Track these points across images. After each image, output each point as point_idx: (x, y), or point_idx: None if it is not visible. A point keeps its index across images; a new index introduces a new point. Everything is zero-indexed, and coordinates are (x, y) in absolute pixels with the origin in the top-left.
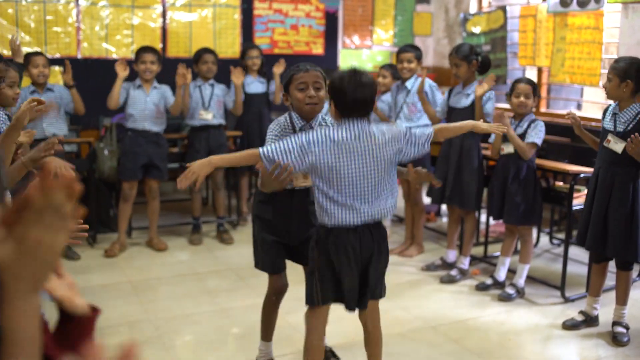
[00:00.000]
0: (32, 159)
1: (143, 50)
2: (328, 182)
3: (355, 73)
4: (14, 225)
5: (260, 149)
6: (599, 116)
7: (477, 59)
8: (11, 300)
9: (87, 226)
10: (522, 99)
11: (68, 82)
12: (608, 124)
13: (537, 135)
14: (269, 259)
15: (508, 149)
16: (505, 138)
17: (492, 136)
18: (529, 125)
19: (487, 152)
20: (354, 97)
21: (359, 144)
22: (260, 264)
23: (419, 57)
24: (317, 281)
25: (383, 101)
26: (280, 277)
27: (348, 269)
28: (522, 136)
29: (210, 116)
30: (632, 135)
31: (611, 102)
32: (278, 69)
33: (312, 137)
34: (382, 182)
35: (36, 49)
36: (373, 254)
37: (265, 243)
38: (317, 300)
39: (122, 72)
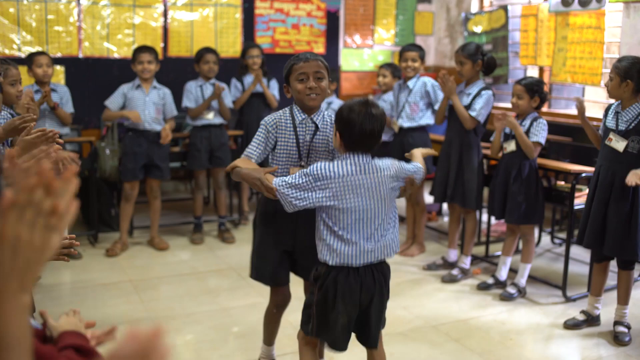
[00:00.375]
0: (6, 130)
1: (140, 50)
2: (333, 218)
3: (366, 104)
4: None
5: (276, 184)
6: (601, 116)
7: (483, 59)
8: (1, 301)
9: (77, 243)
10: (513, 99)
11: (49, 104)
12: (610, 123)
13: (540, 134)
14: (269, 271)
15: (510, 147)
16: (506, 137)
17: (494, 135)
18: (531, 124)
19: (488, 152)
20: (363, 129)
21: (365, 178)
22: (255, 274)
23: (422, 57)
24: (314, 317)
25: (385, 100)
26: (282, 289)
27: (344, 312)
28: (525, 134)
29: (211, 115)
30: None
31: (612, 101)
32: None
33: (317, 172)
34: (387, 217)
35: (38, 48)
36: (374, 298)
37: (268, 254)
38: (312, 332)
39: (133, 117)
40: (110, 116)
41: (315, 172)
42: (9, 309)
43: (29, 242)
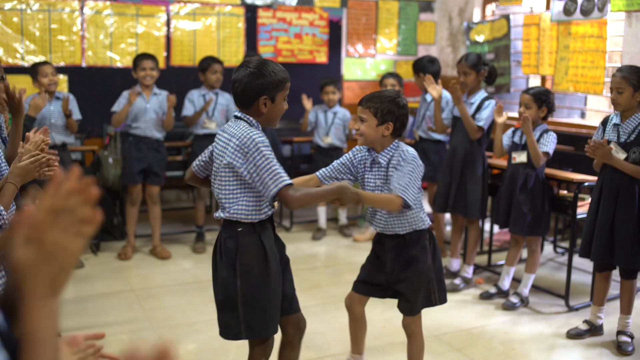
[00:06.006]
0: (23, 178)
1: (142, 57)
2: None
3: (399, 95)
4: (32, 229)
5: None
6: None
7: (485, 68)
8: (30, 303)
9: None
10: (520, 109)
11: (65, 112)
12: (611, 135)
13: (549, 145)
14: (278, 316)
15: (520, 157)
16: (516, 146)
17: (505, 140)
18: (541, 135)
19: (492, 161)
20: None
21: None
22: (270, 328)
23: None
24: (434, 286)
25: None
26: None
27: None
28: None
29: (213, 125)
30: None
31: (611, 110)
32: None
33: (415, 154)
34: None
35: (41, 57)
36: None
37: (277, 297)
38: (440, 300)
39: (133, 99)
40: (119, 117)
41: (415, 154)
42: (39, 312)
43: (64, 248)
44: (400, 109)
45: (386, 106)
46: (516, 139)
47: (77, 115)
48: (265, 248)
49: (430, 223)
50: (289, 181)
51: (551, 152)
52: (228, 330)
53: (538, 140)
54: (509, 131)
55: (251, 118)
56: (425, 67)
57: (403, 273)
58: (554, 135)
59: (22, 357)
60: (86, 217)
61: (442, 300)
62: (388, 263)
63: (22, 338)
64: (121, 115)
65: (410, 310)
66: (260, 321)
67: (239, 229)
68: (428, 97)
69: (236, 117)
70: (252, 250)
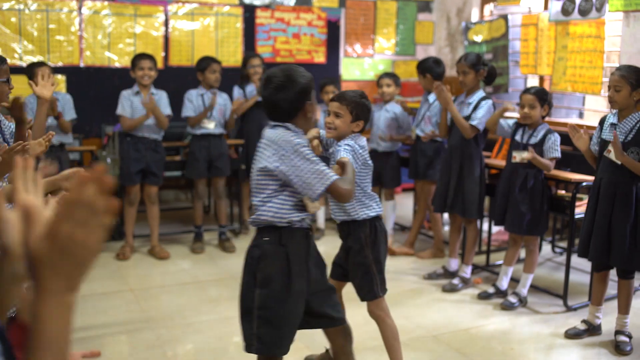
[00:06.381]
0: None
1: (140, 57)
2: (362, 177)
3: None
4: (49, 223)
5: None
6: None
7: (484, 68)
8: (44, 297)
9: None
10: (525, 110)
11: (53, 114)
12: (607, 135)
13: (556, 149)
14: (292, 336)
15: (520, 156)
16: (517, 146)
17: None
18: (544, 136)
19: (490, 161)
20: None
21: None
22: (280, 347)
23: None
24: (376, 274)
25: (388, 110)
26: None
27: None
28: (536, 145)
29: (212, 125)
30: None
31: (607, 110)
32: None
33: (360, 145)
34: None
35: (39, 57)
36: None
37: (296, 318)
38: (382, 290)
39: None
40: (132, 124)
41: (358, 145)
42: (51, 308)
43: (82, 242)
44: (368, 113)
45: (360, 107)
46: (517, 137)
47: (71, 115)
48: (290, 263)
49: (375, 214)
50: (336, 176)
51: (559, 154)
52: (245, 341)
53: (542, 142)
54: (511, 121)
55: (289, 124)
56: (432, 68)
57: (345, 262)
58: (557, 135)
59: (30, 354)
60: (102, 207)
61: (384, 291)
62: (341, 251)
63: (32, 334)
64: (135, 123)
65: (361, 296)
66: (272, 338)
67: (265, 238)
68: (430, 98)
69: (274, 125)
70: (274, 262)
